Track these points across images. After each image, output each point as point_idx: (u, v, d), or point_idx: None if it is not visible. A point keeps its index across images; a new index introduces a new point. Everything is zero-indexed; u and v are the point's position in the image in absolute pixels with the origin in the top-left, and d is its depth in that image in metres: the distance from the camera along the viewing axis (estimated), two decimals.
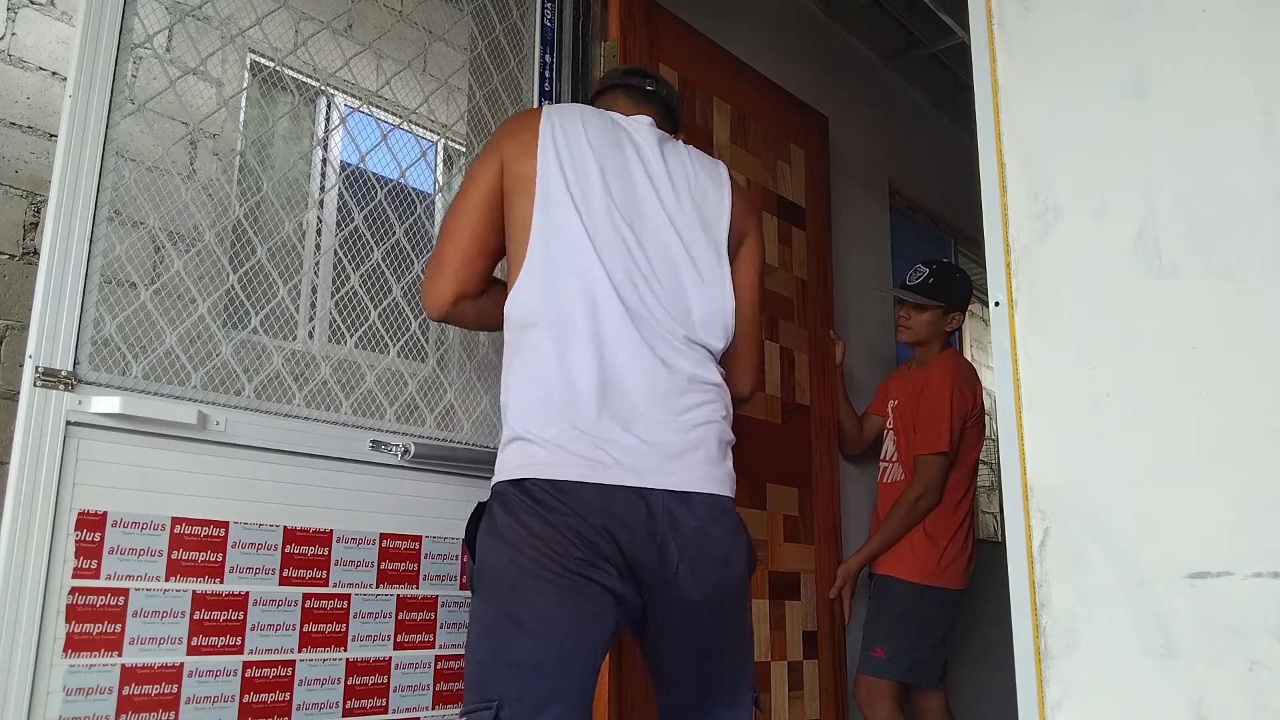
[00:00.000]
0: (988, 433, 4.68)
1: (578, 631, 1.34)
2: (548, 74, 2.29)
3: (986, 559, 3.06)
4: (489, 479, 1.48)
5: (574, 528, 1.35)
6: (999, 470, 5.00)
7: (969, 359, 4.31)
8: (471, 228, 1.55)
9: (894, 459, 2.92)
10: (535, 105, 2.24)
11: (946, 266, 2.95)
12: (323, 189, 1.91)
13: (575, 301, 1.44)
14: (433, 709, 1.85)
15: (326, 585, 1.71)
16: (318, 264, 1.89)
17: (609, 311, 1.44)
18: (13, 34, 2.24)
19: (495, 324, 1.57)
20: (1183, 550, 1.23)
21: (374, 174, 1.95)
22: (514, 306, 1.48)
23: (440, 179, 2.16)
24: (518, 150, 1.54)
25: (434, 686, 1.85)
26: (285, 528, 1.69)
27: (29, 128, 2.24)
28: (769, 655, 2.53)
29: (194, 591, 1.56)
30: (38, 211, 2.23)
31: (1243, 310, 1.23)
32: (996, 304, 1.42)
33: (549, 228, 1.47)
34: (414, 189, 2.02)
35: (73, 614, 1.43)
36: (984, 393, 3.00)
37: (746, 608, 1.55)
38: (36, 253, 2.16)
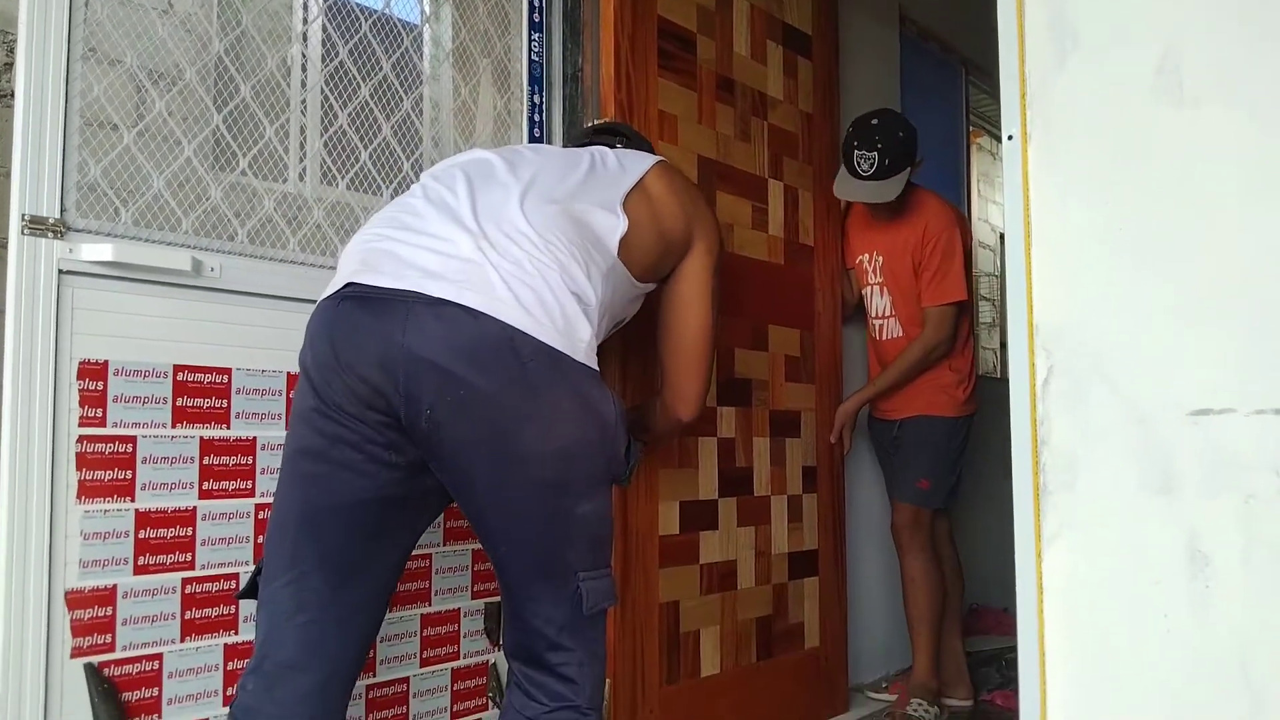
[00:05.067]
0: (992, 269, 4.67)
1: None
2: None
3: (986, 394, 3.09)
4: None
5: None
6: (1002, 308, 5.00)
7: (975, 193, 4.23)
8: None
9: (889, 314, 2.88)
10: None
11: (887, 132, 2.68)
12: (305, 21, 1.82)
13: None
14: (443, 544, 1.90)
15: None
16: (304, 102, 1.82)
17: None
18: None
19: None
20: (1187, 388, 1.22)
21: (357, 4, 1.86)
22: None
23: (427, 8, 2.05)
24: None
25: (444, 524, 1.90)
26: (288, 373, 1.69)
27: None
28: (769, 490, 2.59)
29: (201, 437, 1.57)
30: (10, 51, 2.14)
31: (1265, 146, 1.18)
32: (1010, 137, 1.37)
33: None
34: (399, 20, 1.93)
35: (83, 461, 1.44)
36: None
37: None
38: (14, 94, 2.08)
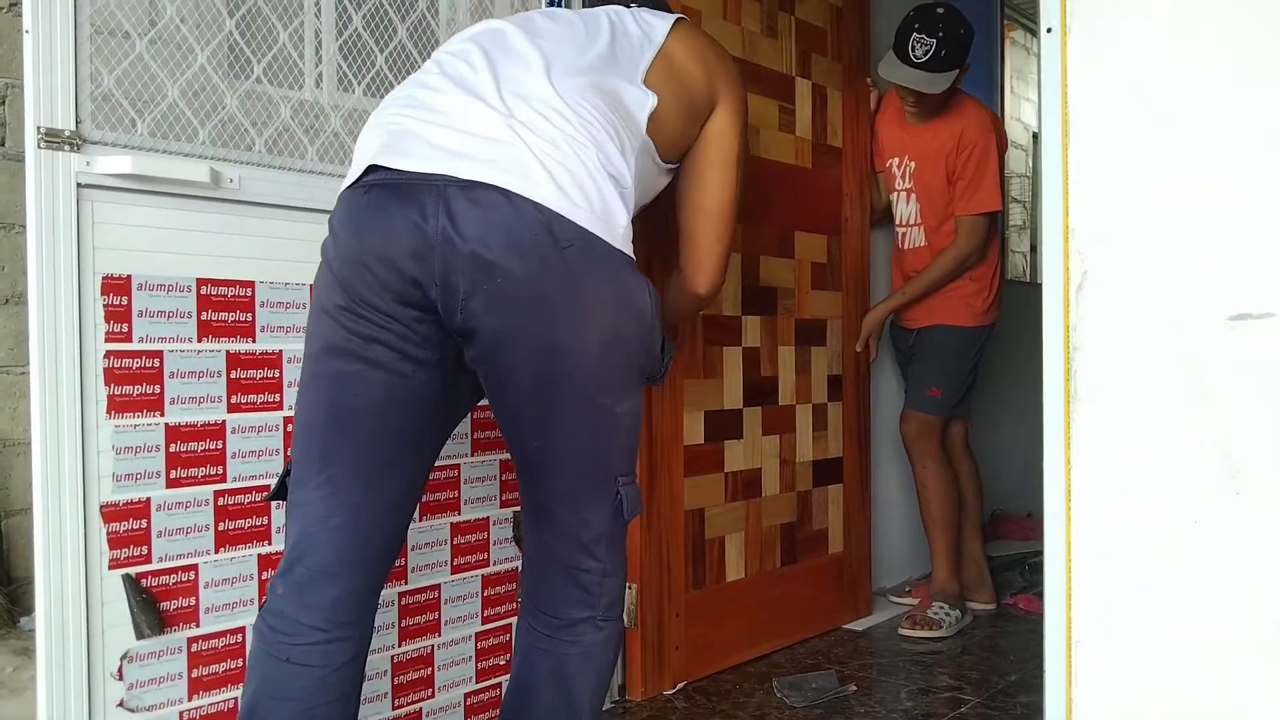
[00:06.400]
0: (1024, 170, 4.56)
1: None
2: None
3: (1014, 300, 3.05)
4: None
5: None
6: (1033, 210, 4.89)
7: (1008, 91, 4.11)
8: None
9: (915, 223, 2.82)
10: None
11: (952, 23, 2.58)
12: None
13: None
14: (471, 454, 1.91)
15: None
16: (318, 5, 1.77)
17: None
18: None
19: None
20: (1225, 292, 1.19)
21: None
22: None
23: None
24: None
25: (472, 435, 1.91)
26: (310, 286, 1.67)
27: None
28: (794, 399, 2.59)
29: (228, 351, 1.58)
30: None
31: None
32: (1049, 30, 1.31)
33: None
34: None
35: (111, 377, 1.45)
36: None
37: None
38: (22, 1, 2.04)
